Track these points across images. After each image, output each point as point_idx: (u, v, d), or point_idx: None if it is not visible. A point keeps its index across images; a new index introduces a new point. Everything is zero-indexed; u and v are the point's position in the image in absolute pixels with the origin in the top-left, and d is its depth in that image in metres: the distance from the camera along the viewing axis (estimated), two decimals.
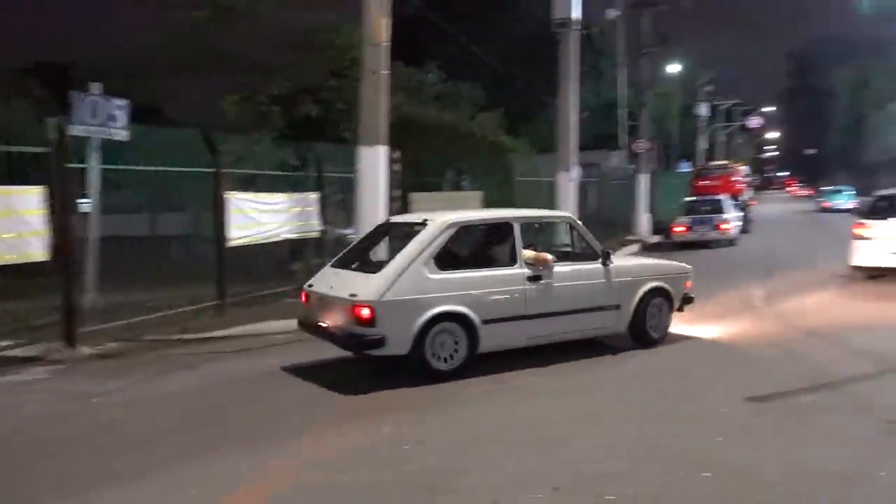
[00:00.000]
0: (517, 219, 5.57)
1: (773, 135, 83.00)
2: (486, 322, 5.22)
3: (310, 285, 5.62)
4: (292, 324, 6.05)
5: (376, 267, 5.29)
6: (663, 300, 6.09)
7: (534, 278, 5.45)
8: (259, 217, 8.02)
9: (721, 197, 19.50)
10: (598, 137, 34.50)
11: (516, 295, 5.39)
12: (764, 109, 61.04)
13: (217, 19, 9.27)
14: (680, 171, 40.42)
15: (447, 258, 5.30)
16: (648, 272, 6.14)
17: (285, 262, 8.87)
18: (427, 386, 4.96)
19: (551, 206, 12.35)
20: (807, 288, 9.04)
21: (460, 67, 19.00)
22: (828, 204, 35.33)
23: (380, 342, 4.93)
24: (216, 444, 4.08)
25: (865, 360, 5.50)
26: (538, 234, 6.31)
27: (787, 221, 28.29)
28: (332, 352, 5.54)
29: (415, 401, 4.69)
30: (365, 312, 4.92)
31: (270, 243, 8.28)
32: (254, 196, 8.02)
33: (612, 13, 25.57)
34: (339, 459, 3.74)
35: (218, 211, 7.54)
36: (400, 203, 9.38)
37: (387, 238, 6.13)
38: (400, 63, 13.79)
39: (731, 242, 17.89)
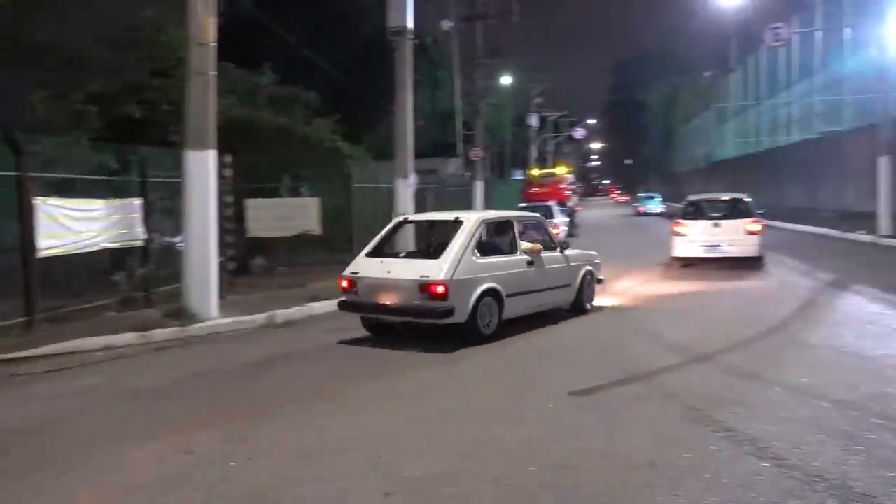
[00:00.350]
0: (515, 217, 7.93)
1: (596, 145, 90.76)
2: (507, 296, 7.23)
3: (354, 273, 7.33)
4: (116, 339, 6.75)
5: (432, 254, 7.23)
6: (591, 279, 8.71)
7: (530, 263, 7.67)
8: (74, 225, 7.69)
9: (550, 203, 20.87)
10: (436, 145, 35.67)
11: (522, 275, 7.52)
12: (589, 121, 66.91)
13: (20, 7, 8.88)
14: (514, 178, 44.56)
15: (480, 247, 7.25)
16: (582, 259, 8.69)
17: (106, 272, 8.51)
18: (246, 402, 5.12)
19: (390, 212, 12.87)
20: (638, 272, 12.01)
21: (297, 71, 18.83)
22: (642, 209, 40.77)
23: (450, 312, 6.74)
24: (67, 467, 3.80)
25: (684, 325, 7.51)
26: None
27: (608, 225, 30.77)
28: (140, 370, 6.12)
29: (236, 415, 4.78)
30: (440, 289, 6.76)
31: (89, 253, 7.96)
32: (67, 202, 7.67)
33: (445, 24, 27.06)
34: (159, 482, 3.64)
35: (25, 219, 7.14)
36: (234, 209, 9.71)
37: (398, 232, 8.23)
38: (232, 65, 13.61)
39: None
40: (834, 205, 24.35)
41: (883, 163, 18.43)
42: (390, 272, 7.30)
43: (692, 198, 15.00)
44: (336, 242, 14.74)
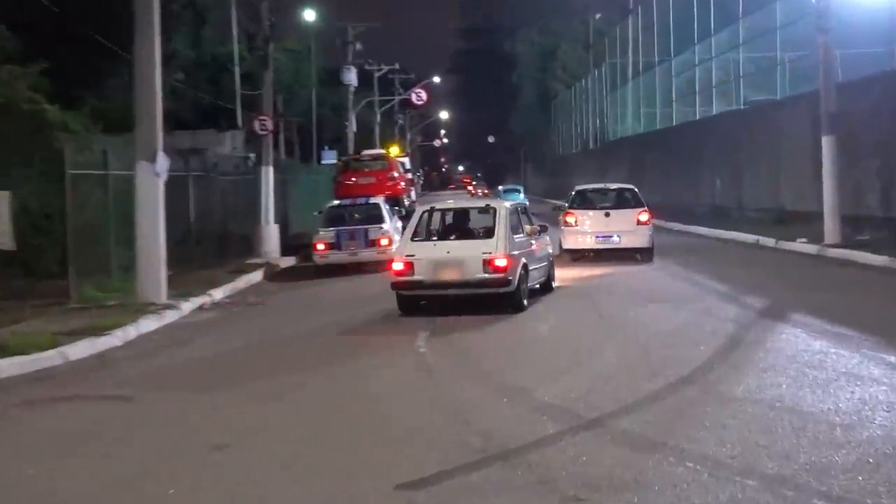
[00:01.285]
0: (519, 203, 15.31)
1: (446, 115, 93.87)
2: (529, 270, 13.30)
3: (411, 255, 12.95)
4: None
5: (483, 234, 13.46)
6: (554, 261, 15.47)
7: (531, 243, 13.81)
8: None
9: (377, 200, 21.29)
10: (204, 112, 33.28)
11: (531, 253, 13.68)
12: (434, 80, 68.21)
13: None
14: (324, 162, 43.38)
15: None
16: (548, 242, 15.26)
17: None
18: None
19: (130, 213, 13.47)
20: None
21: None
22: None
23: (508, 282, 12.52)
24: None
25: (567, 374, 8.51)
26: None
27: None
28: None
29: None
30: (502, 262, 12.49)
31: None
32: None
33: None
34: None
35: None
36: None
37: (427, 219, 14.07)
38: None
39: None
40: (765, 202, 26.74)
41: (828, 145, 19.19)
42: (449, 252, 13.05)
43: (580, 188, 21.16)
44: (42, 263, 14.60)
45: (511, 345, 10.65)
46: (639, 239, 19.22)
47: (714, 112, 33.76)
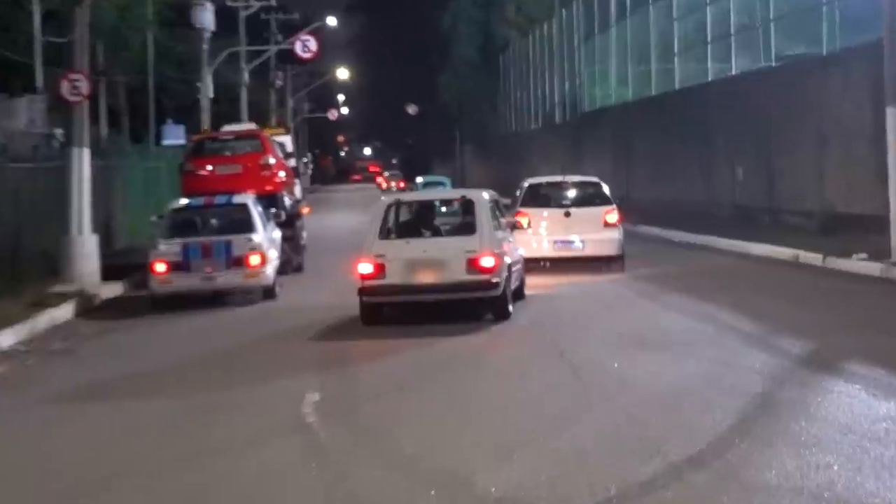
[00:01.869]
0: (493, 193, 18.03)
1: (346, 74, 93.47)
2: (511, 270, 16.77)
3: (381, 255, 15.72)
4: None
5: (462, 230, 16.66)
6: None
7: (510, 240, 17.60)
8: None
9: (245, 199, 21.64)
10: None
11: (513, 250, 17.44)
12: (331, 21, 67.78)
13: None
14: (167, 143, 45.01)
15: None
16: (514, 239, 18.73)
17: None
18: None
19: None
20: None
21: None
22: None
23: (496, 286, 15.54)
24: None
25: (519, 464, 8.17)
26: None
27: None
28: None
29: None
30: (489, 262, 15.47)
31: None
32: None
33: None
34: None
35: None
36: None
37: (395, 214, 17.36)
38: None
39: (266, 294, 20.39)
40: (808, 202, 27.55)
41: (894, 119, 19.34)
42: (426, 251, 15.94)
43: (532, 181, 23.80)
44: None
45: (441, 411, 10.64)
46: (606, 245, 21.90)
47: (734, 71, 34.26)
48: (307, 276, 24.18)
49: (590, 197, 22.77)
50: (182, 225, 20.62)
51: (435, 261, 15.70)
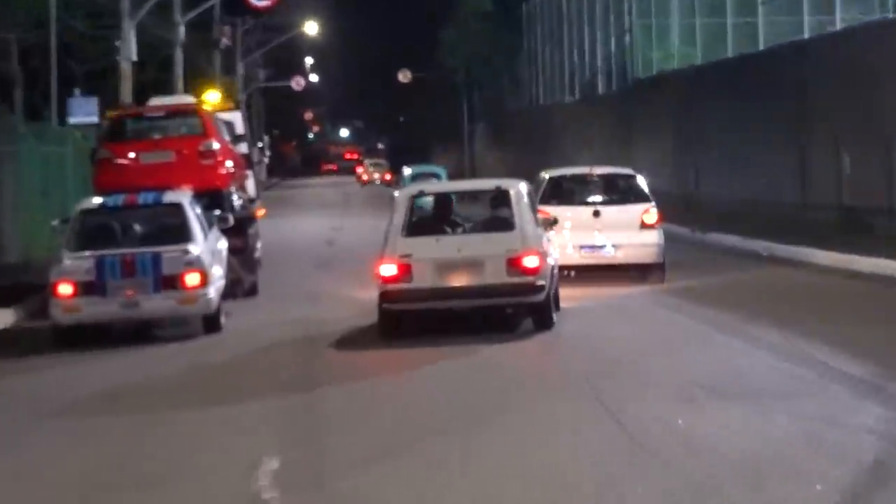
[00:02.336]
0: (526, 184, 20.67)
1: (315, 30, 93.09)
2: (553, 273, 19.77)
3: (406, 255, 18.06)
4: None
5: (496, 226, 19.12)
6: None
7: (547, 237, 20.45)
8: None
9: (179, 196, 21.80)
10: None
11: (549, 246, 20.16)
12: None
13: None
14: (75, 122, 45.10)
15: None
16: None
17: None
18: None
19: None
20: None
21: None
22: None
23: (540, 289, 18.07)
24: None
25: None
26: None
27: (344, 259, 33.00)
28: None
29: None
30: (533, 262, 17.97)
31: None
32: None
33: None
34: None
35: None
36: None
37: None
38: None
39: (208, 325, 20.51)
40: None
41: None
42: (460, 250, 18.06)
43: (553, 174, 25.91)
44: None
45: (441, 483, 10.63)
46: (644, 250, 23.77)
47: (837, 26, 34.27)
48: (263, 302, 24.35)
49: (623, 192, 24.57)
50: (95, 232, 20.62)
51: (470, 261, 17.95)
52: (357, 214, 58.10)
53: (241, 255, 24.40)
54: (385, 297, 17.95)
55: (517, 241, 17.86)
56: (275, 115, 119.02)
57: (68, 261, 19.92)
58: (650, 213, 23.76)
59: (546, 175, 25.43)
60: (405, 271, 17.69)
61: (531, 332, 18.50)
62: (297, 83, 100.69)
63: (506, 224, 18.38)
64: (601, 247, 23.60)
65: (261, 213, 32.37)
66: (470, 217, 20.31)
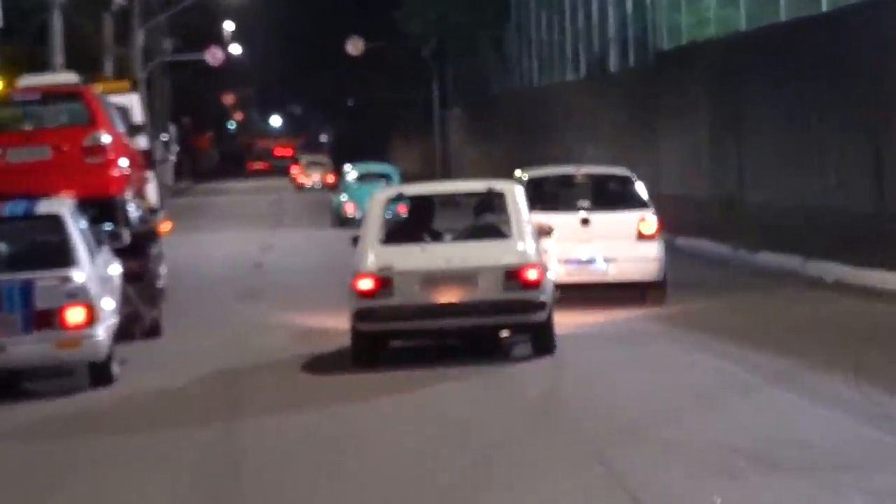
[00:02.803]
0: (519, 184, 25.07)
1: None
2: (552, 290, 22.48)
3: (386, 267, 19.92)
4: None
5: (488, 233, 21.44)
6: None
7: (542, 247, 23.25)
8: None
9: (55, 207, 21.64)
10: None
11: (547, 257, 23.80)
12: None
13: None
14: None
15: None
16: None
17: None
18: None
19: None
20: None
21: None
22: (352, 208, 56.62)
23: (542, 305, 20.33)
24: None
25: None
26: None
27: (276, 288, 33.98)
28: None
29: None
30: (535, 275, 20.23)
31: None
32: None
33: None
34: None
35: None
36: None
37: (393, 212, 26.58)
38: None
39: (96, 376, 20.35)
40: None
41: None
42: (449, 260, 19.77)
43: (534, 174, 27.59)
44: None
45: None
46: (642, 266, 25.15)
47: None
48: (168, 345, 24.39)
49: (616, 197, 25.98)
50: None
51: (462, 273, 19.64)
52: (291, 228, 59.68)
53: (140, 284, 24.35)
54: (361, 315, 19.33)
55: (515, 251, 19.51)
56: (185, 98, 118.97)
57: None
58: (648, 221, 24.99)
59: (524, 175, 26.57)
60: (385, 285, 19.21)
61: (525, 362, 19.90)
62: (214, 57, 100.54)
63: (500, 231, 20.00)
64: (590, 261, 24.94)
65: (166, 227, 32.25)
66: (455, 222, 22.09)
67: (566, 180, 27.24)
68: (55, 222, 20.99)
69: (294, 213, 68.32)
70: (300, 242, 46.48)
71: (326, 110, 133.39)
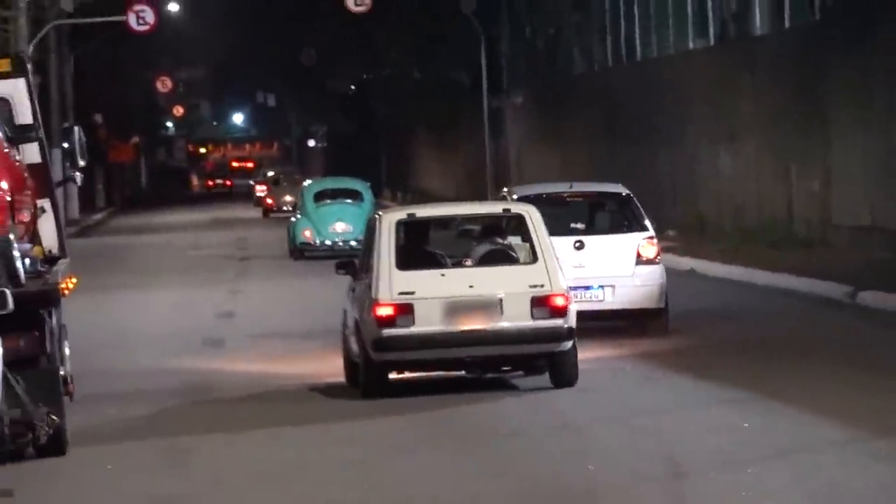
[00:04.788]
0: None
1: None
2: None
3: (408, 293, 26.20)
4: None
5: (504, 258, 28.52)
6: None
7: None
8: None
9: None
10: None
11: None
12: None
13: None
14: None
15: None
16: None
17: None
18: None
19: None
20: None
21: None
22: (309, 235, 67.58)
23: (570, 334, 28.07)
24: None
25: None
26: None
27: (238, 384, 34.23)
28: None
29: None
30: (561, 301, 27.91)
31: None
32: None
33: None
34: None
35: None
36: None
37: (406, 237, 28.55)
38: None
39: None
40: None
41: None
42: (473, 286, 26.16)
43: (523, 192, 32.74)
44: None
45: None
46: (642, 291, 29.38)
47: None
48: (74, 467, 23.82)
49: (612, 217, 30.21)
50: None
51: (487, 300, 23.45)
52: (260, 279, 62.38)
53: (34, 371, 23.78)
54: (381, 345, 22.55)
55: (543, 276, 23.28)
56: (97, 85, 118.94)
57: None
58: (647, 243, 29.07)
59: (512, 195, 31.22)
60: (405, 312, 22.75)
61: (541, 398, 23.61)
62: (141, 19, 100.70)
63: (507, 256, 24.37)
64: (586, 287, 28.90)
65: (68, 285, 31.48)
66: (488, 244, 25.79)
67: (557, 199, 31.35)
68: None
69: (262, 256, 72.17)
70: (269, 299, 51.19)
71: (314, 102, 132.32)
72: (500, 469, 19.14)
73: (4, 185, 26.22)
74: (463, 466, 19.10)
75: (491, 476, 18.50)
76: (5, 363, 21.65)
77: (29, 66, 39.31)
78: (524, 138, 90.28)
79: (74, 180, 59.30)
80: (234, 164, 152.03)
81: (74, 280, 31.99)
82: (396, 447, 20.26)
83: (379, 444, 20.43)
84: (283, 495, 20.42)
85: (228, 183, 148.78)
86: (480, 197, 72.41)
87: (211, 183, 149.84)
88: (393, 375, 25.59)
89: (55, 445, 23.70)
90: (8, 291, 22.49)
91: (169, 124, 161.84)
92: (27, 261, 25.40)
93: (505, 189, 32.60)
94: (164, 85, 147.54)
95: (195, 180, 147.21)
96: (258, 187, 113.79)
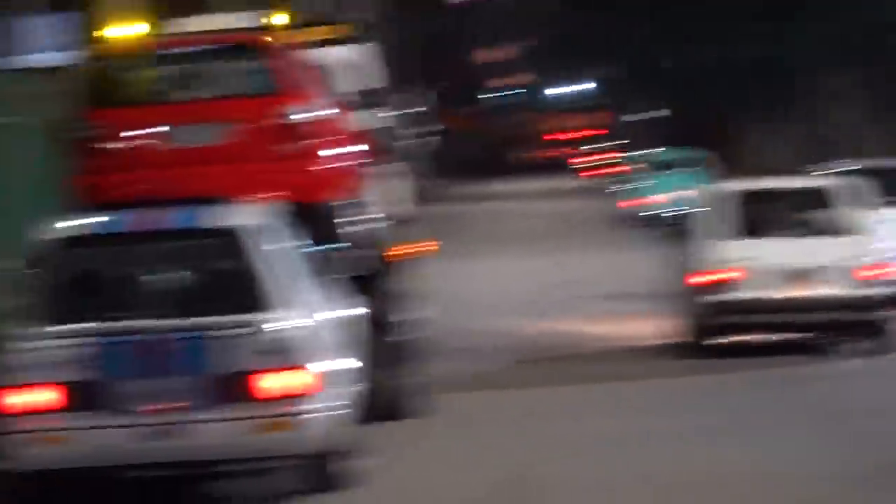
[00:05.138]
0: None
1: None
2: None
3: (742, 259, 31.78)
4: None
5: (830, 229, 33.12)
6: None
7: None
8: None
9: (232, 217, 22.14)
10: None
11: None
12: None
13: None
14: (38, 63, 51.63)
15: None
16: None
17: None
18: None
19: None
20: None
21: None
22: (649, 203, 74.27)
23: (880, 304, 33.48)
24: None
25: None
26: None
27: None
28: None
29: None
30: (880, 272, 33.70)
31: None
32: None
33: None
34: None
35: None
36: None
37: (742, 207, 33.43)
38: None
39: (321, 476, 20.84)
40: None
41: None
42: (802, 255, 31.74)
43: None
44: None
45: None
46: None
47: None
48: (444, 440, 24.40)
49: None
50: (88, 289, 20.88)
51: (814, 269, 25.73)
52: (596, 248, 65.44)
53: (391, 335, 24.45)
54: (715, 308, 25.29)
55: (860, 248, 25.43)
56: (420, 58, 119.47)
57: (40, 345, 19.98)
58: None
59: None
60: (741, 277, 25.25)
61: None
62: None
63: (836, 228, 26.49)
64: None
65: (427, 248, 31.63)
66: (790, 216, 28.42)
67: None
68: (230, 241, 21.05)
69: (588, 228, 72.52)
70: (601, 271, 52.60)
71: (646, 78, 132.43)
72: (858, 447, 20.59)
73: (342, 150, 26.62)
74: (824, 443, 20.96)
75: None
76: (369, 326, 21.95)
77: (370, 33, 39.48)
78: (859, 117, 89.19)
79: (429, 145, 59.80)
80: (565, 135, 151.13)
81: (433, 244, 32.30)
82: (745, 417, 22.12)
83: (732, 413, 22.60)
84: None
85: (557, 153, 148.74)
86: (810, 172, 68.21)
87: (541, 154, 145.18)
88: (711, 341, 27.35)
89: (393, 411, 24.20)
90: (360, 253, 23.44)
91: (500, 95, 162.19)
92: (377, 225, 26.18)
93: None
94: (482, 56, 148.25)
95: (526, 150, 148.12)
96: (586, 158, 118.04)
